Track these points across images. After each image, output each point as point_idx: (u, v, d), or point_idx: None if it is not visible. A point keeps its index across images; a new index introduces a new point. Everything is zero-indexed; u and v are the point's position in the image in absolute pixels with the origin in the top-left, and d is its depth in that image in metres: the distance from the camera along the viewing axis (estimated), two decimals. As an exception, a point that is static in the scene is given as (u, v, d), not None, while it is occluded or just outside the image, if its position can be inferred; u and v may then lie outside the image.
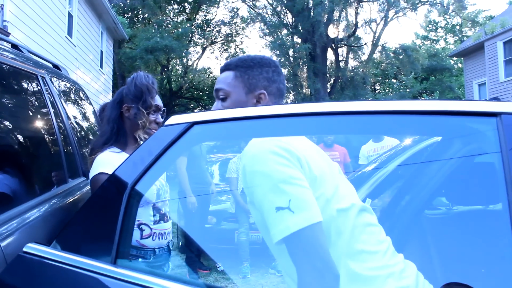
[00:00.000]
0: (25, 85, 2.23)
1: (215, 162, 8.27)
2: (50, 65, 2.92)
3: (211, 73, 32.48)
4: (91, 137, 3.14)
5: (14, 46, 2.40)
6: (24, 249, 1.27)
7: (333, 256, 1.12)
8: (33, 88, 2.29)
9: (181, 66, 30.82)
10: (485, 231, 1.54)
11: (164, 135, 1.26)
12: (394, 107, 1.09)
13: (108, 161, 1.83)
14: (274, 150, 1.17)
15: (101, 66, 15.89)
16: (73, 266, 1.18)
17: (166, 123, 1.29)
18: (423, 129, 1.21)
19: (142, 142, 1.89)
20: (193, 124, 1.25)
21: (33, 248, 1.27)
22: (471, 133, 1.11)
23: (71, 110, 2.91)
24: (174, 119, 1.29)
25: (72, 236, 1.28)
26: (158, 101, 2.02)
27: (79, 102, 3.31)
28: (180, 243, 5.87)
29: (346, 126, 1.24)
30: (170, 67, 29.61)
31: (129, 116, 1.96)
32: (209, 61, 66.17)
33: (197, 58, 30.45)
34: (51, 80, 2.59)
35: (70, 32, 12.17)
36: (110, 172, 1.74)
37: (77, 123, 2.91)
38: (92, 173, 1.85)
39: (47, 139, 2.25)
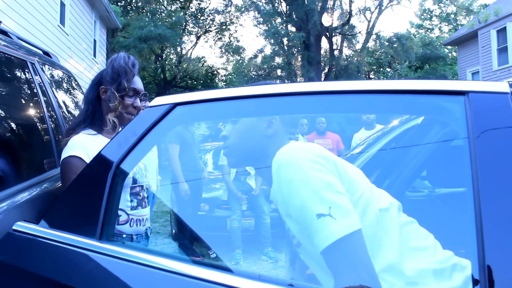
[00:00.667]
0: (14, 71, 2.25)
1: (209, 151, 8.29)
2: (40, 52, 2.94)
3: (205, 62, 32.42)
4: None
5: (3, 32, 2.41)
6: (14, 227, 1.32)
7: (385, 257, 1.12)
8: (23, 74, 2.32)
9: (175, 55, 30.73)
10: (458, 211, 1.59)
11: (148, 116, 1.30)
12: (365, 87, 1.13)
13: (80, 144, 1.79)
14: (310, 157, 1.17)
15: (95, 55, 15.82)
16: (60, 242, 1.23)
17: (150, 104, 1.33)
18: (394, 107, 1.26)
19: (109, 127, 1.85)
20: (176, 105, 1.29)
21: (22, 226, 1.32)
22: (441, 112, 1.15)
23: (62, 96, 2.93)
24: (157, 100, 1.33)
25: (59, 215, 1.33)
26: (136, 84, 1.94)
27: (69, 88, 3.33)
28: (174, 231, 5.93)
29: (320, 106, 1.29)
30: (164, 56, 29.50)
31: (105, 98, 1.90)
32: (203, 50, 65.91)
33: (191, 47, 30.40)
34: (41, 66, 2.61)
35: (62, 21, 12.10)
36: (81, 156, 1.72)
37: (67, 109, 2.93)
38: (63, 155, 1.80)
39: (36, 124, 2.27)
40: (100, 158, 1.32)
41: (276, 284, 1.00)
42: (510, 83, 1.07)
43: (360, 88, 1.14)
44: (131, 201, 1.87)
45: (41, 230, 1.28)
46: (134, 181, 1.89)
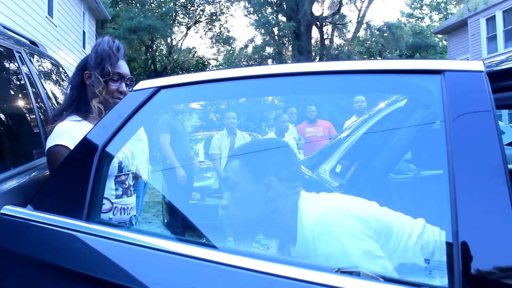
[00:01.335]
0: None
1: (200, 140, 8.31)
2: (27, 42, 2.93)
3: (195, 52, 32.27)
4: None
5: (-12, 21, 2.40)
6: (2, 211, 1.34)
7: None
8: (9, 64, 2.31)
9: (165, 46, 30.56)
10: (437, 193, 1.61)
11: (132, 99, 1.32)
12: (344, 67, 1.16)
13: (66, 132, 1.75)
14: (343, 224, 1.17)
15: (84, 47, 15.70)
16: (48, 224, 1.25)
17: (134, 88, 1.35)
18: (372, 87, 1.28)
19: (95, 113, 1.80)
20: (160, 88, 1.31)
21: (10, 209, 1.34)
22: (419, 91, 1.18)
23: (49, 85, 2.93)
24: (142, 84, 1.35)
25: (46, 198, 1.34)
26: (121, 68, 1.89)
27: (57, 77, 3.32)
28: (165, 220, 5.95)
29: (300, 87, 1.31)
30: (154, 47, 29.32)
31: (90, 83, 1.86)
32: (194, 40, 65.52)
33: (182, 38, 30.23)
34: (29, 57, 2.61)
35: (50, 12, 11.98)
36: (67, 144, 1.68)
37: (56, 98, 2.93)
38: (49, 144, 1.76)
39: (23, 113, 2.28)
40: (86, 142, 1.33)
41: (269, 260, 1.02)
42: (484, 62, 1.09)
43: (339, 68, 1.16)
44: (116, 189, 1.84)
45: (29, 213, 1.30)
46: (120, 169, 1.86)
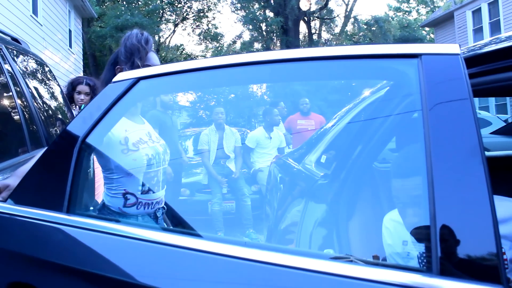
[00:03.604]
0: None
1: (189, 137, 8.27)
2: (9, 38, 2.90)
3: (183, 50, 32.17)
4: (48, 100, 3.14)
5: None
6: (-19, 206, 1.32)
7: None
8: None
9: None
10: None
11: (112, 91, 1.31)
12: (324, 53, 1.16)
13: None
14: None
15: (70, 46, 15.56)
16: (28, 217, 1.24)
17: (114, 80, 1.34)
18: (351, 72, 1.29)
19: None
20: (139, 79, 1.30)
21: (-11, 204, 1.32)
22: (397, 75, 1.18)
23: (32, 81, 2.90)
24: (121, 76, 1.34)
25: (26, 192, 1.33)
26: (151, 60, 1.94)
27: (38, 73, 3.29)
28: (155, 217, 5.93)
29: (280, 74, 1.31)
30: (142, 45, 29.13)
31: None
32: (182, 38, 65.20)
33: (169, 35, 30.11)
34: (10, 53, 2.58)
35: (35, 11, 11.85)
36: None
37: (38, 93, 2.90)
38: None
39: (5, 110, 2.26)
40: (66, 134, 1.33)
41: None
42: (460, 45, 1.10)
43: (317, 55, 1.16)
44: (143, 185, 1.86)
45: (7, 206, 1.29)
46: (150, 166, 1.87)
